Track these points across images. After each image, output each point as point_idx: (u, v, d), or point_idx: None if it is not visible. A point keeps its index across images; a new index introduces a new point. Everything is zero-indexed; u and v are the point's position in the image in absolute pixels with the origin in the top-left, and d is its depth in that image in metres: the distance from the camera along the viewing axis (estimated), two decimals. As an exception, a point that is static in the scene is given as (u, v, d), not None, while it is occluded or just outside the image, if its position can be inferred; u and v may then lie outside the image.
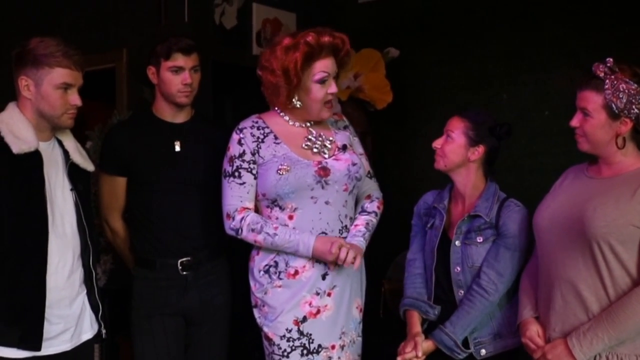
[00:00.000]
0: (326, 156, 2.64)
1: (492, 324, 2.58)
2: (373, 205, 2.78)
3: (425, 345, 2.57)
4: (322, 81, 2.59)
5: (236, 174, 2.62)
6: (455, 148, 2.64)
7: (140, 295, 2.91)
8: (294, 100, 2.61)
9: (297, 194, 2.57)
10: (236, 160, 2.63)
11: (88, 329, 2.57)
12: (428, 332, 2.62)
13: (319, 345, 2.61)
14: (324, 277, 2.61)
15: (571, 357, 2.21)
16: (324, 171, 2.59)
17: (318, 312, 2.61)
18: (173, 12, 3.63)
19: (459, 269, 2.60)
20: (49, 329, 2.40)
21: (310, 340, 2.60)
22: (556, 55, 3.70)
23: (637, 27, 3.50)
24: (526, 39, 3.81)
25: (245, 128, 2.66)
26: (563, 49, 3.68)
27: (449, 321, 2.56)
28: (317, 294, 2.61)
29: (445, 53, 4.07)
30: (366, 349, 2.83)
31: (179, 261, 2.85)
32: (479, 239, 2.59)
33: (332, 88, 2.61)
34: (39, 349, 2.36)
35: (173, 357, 2.89)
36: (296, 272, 2.61)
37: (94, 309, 2.58)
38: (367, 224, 2.71)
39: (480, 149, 2.63)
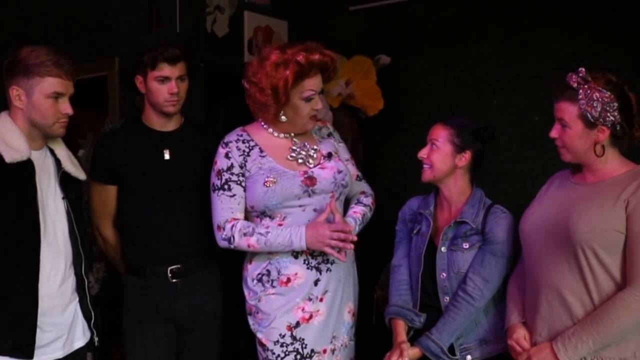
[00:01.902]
0: (311, 165, 2.65)
1: (477, 330, 2.59)
2: (368, 200, 2.84)
3: (412, 352, 2.57)
4: (309, 99, 2.60)
5: (226, 186, 2.63)
6: (443, 157, 2.63)
7: (131, 303, 2.92)
8: (280, 115, 2.62)
9: (285, 204, 2.58)
10: (225, 173, 2.63)
11: (80, 336, 2.57)
12: (414, 339, 2.62)
13: (312, 350, 2.63)
14: (316, 283, 2.63)
15: None
16: (310, 180, 2.61)
17: (311, 317, 2.63)
18: (165, 20, 3.64)
19: (444, 275, 2.60)
20: (41, 337, 2.40)
21: (304, 345, 2.62)
22: (546, 61, 3.72)
23: (626, 33, 3.53)
24: (516, 45, 3.83)
25: (231, 142, 2.67)
26: (553, 54, 3.70)
27: (435, 328, 2.56)
28: (310, 299, 2.63)
29: (436, 60, 4.09)
30: (359, 355, 2.83)
31: (169, 269, 2.86)
32: (465, 245, 2.59)
33: (318, 105, 2.63)
34: (31, 357, 2.36)
35: (164, 364, 2.89)
36: (288, 280, 2.62)
37: (86, 316, 2.59)
38: (364, 214, 2.77)
39: (467, 155, 2.63)
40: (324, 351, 2.65)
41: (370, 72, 3.98)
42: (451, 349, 2.56)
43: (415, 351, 2.58)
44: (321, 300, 2.64)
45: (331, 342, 2.67)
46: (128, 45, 3.64)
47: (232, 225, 2.61)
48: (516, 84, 3.84)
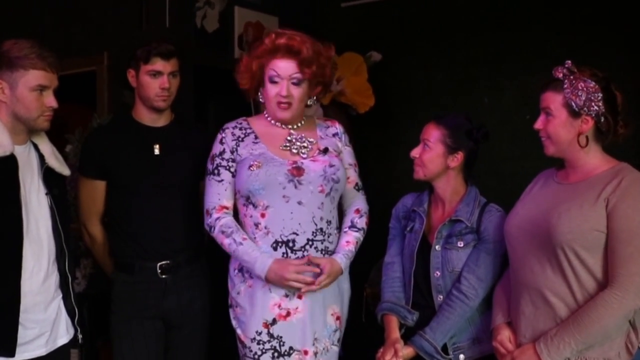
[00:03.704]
0: (305, 156, 2.63)
1: (471, 329, 2.58)
2: (362, 222, 2.75)
3: (406, 352, 2.56)
4: (272, 80, 2.61)
5: (216, 171, 2.66)
6: (434, 157, 2.62)
7: (120, 299, 2.90)
8: (259, 96, 2.69)
9: (268, 191, 2.57)
10: (216, 158, 2.66)
11: (64, 333, 2.54)
12: (405, 336, 2.61)
13: (291, 348, 2.59)
14: None
15: None
16: (297, 171, 2.58)
17: (288, 314, 2.59)
18: (154, 15, 3.61)
19: (438, 273, 2.59)
20: (23, 334, 2.37)
21: (281, 343, 2.59)
22: (538, 59, 3.71)
23: (619, 32, 3.52)
24: (508, 43, 3.82)
25: (228, 128, 2.71)
26: (545, 52, 3.68)
27: (429, 327, 2.55)
28: (287, 296, 2.59)
29: (428, 57, 4.08)
30: (348, 353, 2.81)
31: (158, 264, 2.85)
32: (460, 244, 2.58)
33: (282, 90, 2.61)
34: (13, 354, 2.34)
35: (152, 360, 2.87)
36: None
37: (70, 313, 2.56)
38: (357, 242, 2.70)
39: (459, 156, 2.62)
40: (306, 352, 2.60)
41: (361, 68, 3.97)
42: (444, 348, 2.55)
43: (409, 350, 2.57)
44: (299, 297, 2.60)
45: (313, 345, 2.61)
46: (117, 40, 3.61)
47: (218, 218, 2.63)
48: (507, 82, 3.83)
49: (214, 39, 3.85)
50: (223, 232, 2.61)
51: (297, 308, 2.59)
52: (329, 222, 2.65)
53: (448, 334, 2.54)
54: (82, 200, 2.96)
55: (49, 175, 2.51)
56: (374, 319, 2.78)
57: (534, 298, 2.29)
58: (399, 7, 4.19)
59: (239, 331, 2.65)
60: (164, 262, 2.85)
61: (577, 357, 2.19)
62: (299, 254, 2.58)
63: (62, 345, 2.54)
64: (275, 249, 2.58)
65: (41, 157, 2.51)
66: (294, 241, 2.58)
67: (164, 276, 2.85)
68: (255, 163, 2.58)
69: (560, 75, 2.26)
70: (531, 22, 3.76)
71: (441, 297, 2.58)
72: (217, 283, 3.00)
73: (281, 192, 2.57)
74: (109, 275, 3.00)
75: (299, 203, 2.58)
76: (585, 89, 2.22)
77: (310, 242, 2.59)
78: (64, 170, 2.58)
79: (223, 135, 2.69)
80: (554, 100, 2.27)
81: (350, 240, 2.69)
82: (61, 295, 2.54)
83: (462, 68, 3.96)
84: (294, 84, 2.61)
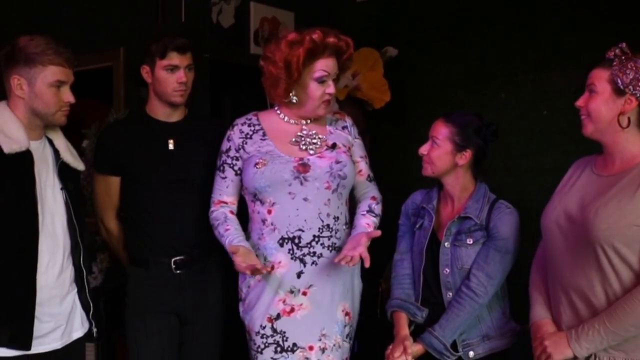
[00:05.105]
0: (312, 152, 2.63)
1: (480, 326, 2.57)
2: (379, 208, 2.76)
3: (415, 349, 2.56)
4: (321, 80, 2.59)
5: (221, 168, 2.71)
6: (442, 155, 2.61)
7: (134, 294, 2.91)
8: (291, 94, 2.63)
9: (274, 188, 2.58)
10: (223, 155, 2.71)
11: (79, 327, 2.57)
12: (415, 333, 2.61)
13: (294, 344, 2.59)
14: (299, 276, 2.60)
15: (567, 347, 2.18)
16: (303, 167, 2.59)
17: (292, 310, 2.60)
18: (170, 10, 3.62)
19: (448, 270, 2.58)
20: (39, 328, 2.40)
21: (284, 338, 2.60)
22: (555, 55, 3.69)
23: (636, 26, 3.48)
24: (525, 38, 3.80)
25: (237, 125, 2.72)
26: (562, 48, 3.66)
27: (438, 324, 2.55)
28: (292, 292, 2.60)
29: (444, 52, 4.06)
30: (363, 348, 2.81)
31: (173, 260, 2.85)
32: (469, 241, 2.57)
33: (330, 89, 2.62)
34: (29, 347, 2.36)
35: (167, 355, 2.88)
36: (272, 268, 2.60)
37: (85, 307, 2.59)
38: (375, 227, 2.68)
39: (467, 154, 2.61)
40: (311, 348, 2.60)
41: (377, 64, 3.96)
42: (453, 345, 2.54)
43: (418, 347, 2.57)
44: (304, 294, 2.60)
45: (320, 340, 2.61)
46: (133, 35, 3.62)
47: (212, 212, 2.72)
48: (524, 78, 3.80)
49: (230, 34, 3.86)
50: (213, 225, 2.69)
51: (301, 304, 2.60)
52: (336, 219, 2.64)
53: (457, 331, 2.54)
54: (98, 195, 2.98)
55: (64, 170, 2.53)
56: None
57: (574, 299, 2.21)
58: (414, 2, 4.18)
59: (246, 322, 2.69)
60: (178, 258, 2.85)
61: (603, 356, 2.13)
62: (305, 250, 2.59)
63: (77, 338, 2.57)
64: (281, 245, 2.59)
65: (56, 152, 2.53)
66: (299, 237, 2.58)
67: (178, 271, 2.85)
68: (261, 161, 2.59)
69: (612, 55, 2.19)
70: (548, 17, 3.73)
71: (450, 294, 2.58)
72: (231, 278, 3.01)
73: (287, 189, 2.57)
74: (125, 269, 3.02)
75: (305, 199, 2.58)
76: (634, 68, 2.14)
77: (316, 239, 2.59)
78: (78, 165, 2.60)
79: (231, 132, 2.70)
80: (599, 77, 2.19)
81: (370, 223, 2.68)
82: (76, 289, 2.56)
83: (479, 63, 3.94)
84: (333, 80, 2.64)
